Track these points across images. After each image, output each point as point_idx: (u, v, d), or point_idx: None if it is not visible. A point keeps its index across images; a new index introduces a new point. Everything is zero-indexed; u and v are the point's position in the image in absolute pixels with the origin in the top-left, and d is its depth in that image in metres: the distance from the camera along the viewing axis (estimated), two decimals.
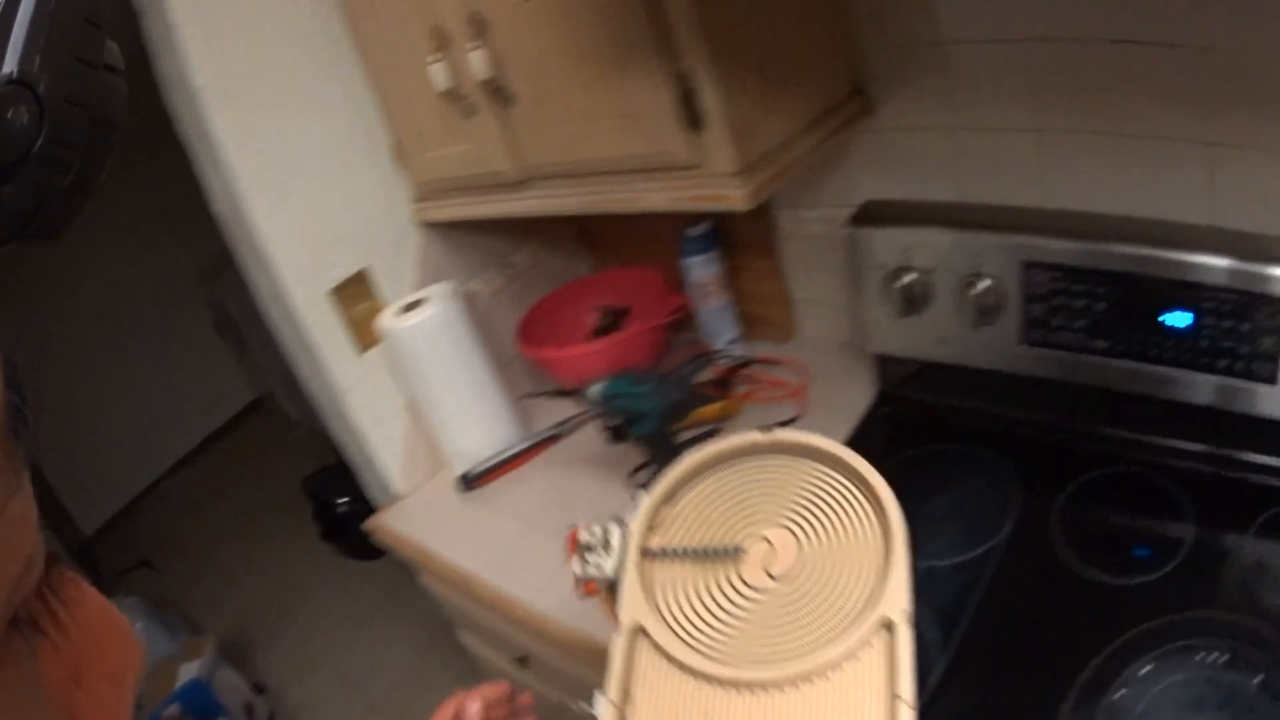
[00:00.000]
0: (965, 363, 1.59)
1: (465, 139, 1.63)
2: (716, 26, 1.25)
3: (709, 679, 0.94)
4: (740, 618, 0.97)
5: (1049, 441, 1.60)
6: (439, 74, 1.54)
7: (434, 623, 2.00)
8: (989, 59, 1.45)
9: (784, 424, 1.77)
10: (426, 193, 1.84)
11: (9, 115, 0.38)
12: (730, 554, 1.02)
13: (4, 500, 0.39)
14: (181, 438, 5.47)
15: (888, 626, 0.91)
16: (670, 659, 0.96)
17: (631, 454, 1.61)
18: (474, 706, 1.09)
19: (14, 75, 0.38)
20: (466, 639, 2.04)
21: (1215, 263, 1.33)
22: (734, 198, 1.35)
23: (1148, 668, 1.21)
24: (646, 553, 1.05)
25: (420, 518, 1.85)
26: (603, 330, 2.04)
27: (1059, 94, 1.43)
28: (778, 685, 0.91)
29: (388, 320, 1.75)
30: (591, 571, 1.08)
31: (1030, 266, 1.46)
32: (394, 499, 1.91)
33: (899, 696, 0.87)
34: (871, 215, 1.61)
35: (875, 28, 1.53)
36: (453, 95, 1.56)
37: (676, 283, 1.97)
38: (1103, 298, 1.43)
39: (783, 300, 1.98)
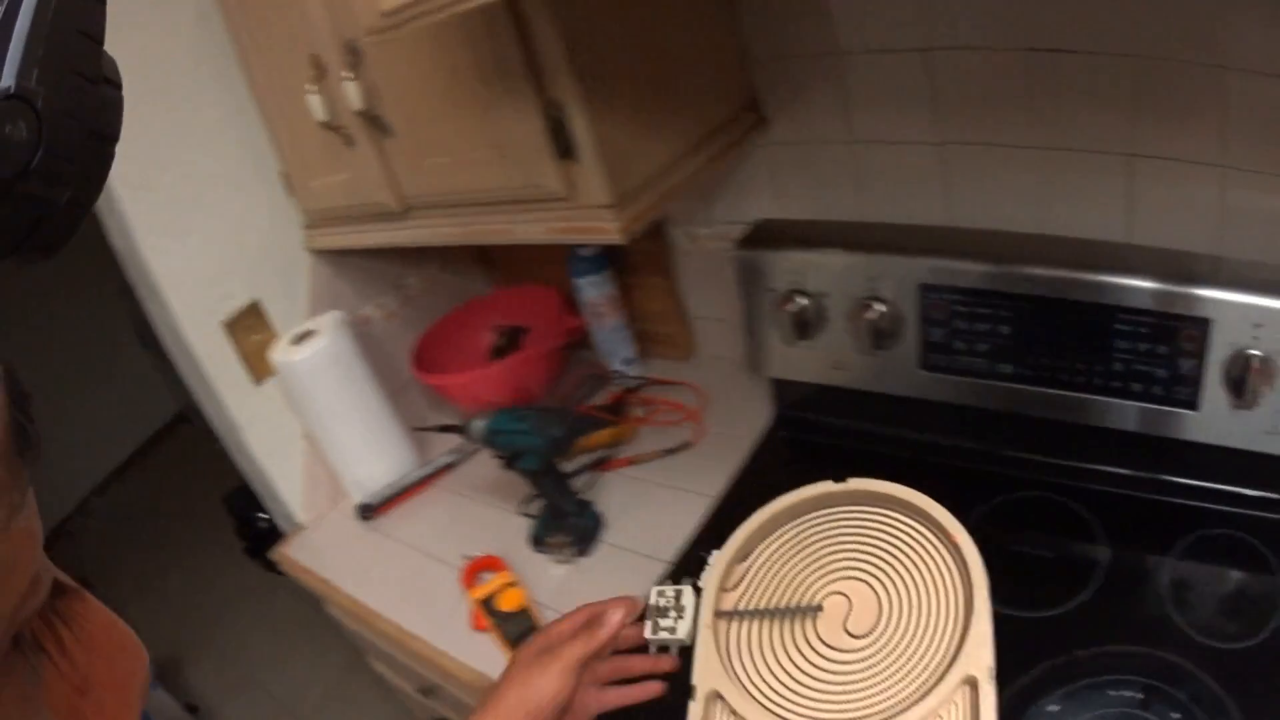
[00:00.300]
0: (863, 387, 1.56)
1: (346, 169, 1.59)
2: (589, 53, 1.22)
3: None
4: (820, 679, 0.94)
5: (953, 467, 1.57)
6: (316, 104, 1.50)
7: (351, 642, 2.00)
8: (888, 69, 1.42)
9: (677, 449, 1.76)
10: (316, 221, 1.80)
11: (7, 130, 0.38)
12: (808, 613, 0.99)
13: (8, 518, 0.39)
14: (110, 453, 5.37)
15: (971, 684, 0.88)
16: None
17: (523, 482, 1.58)
18: (615, 616, 1.03)
19: (12, 89, 0.38)
20: (376, 666, 2.00)
21: (1131, 284, 1.30)
22: (608, 230, 1.31)
23: (1054, 707, 1.19)
24: (720, 614, 1.02)
25: (322, 548, 1.82)
26: (500, 350, 2.01)
27: (964, 105, 1.40)
28: None
29: (279, 353, 1.71)
30: (664, 636, 1.03)
31: (929, 289, 1.43)
32: (297, 529, 1.87)
33: None
34: (762, 236, 1.57)
35: (767, 40, 1.49)
36: (331, 125, 1.52)
37: (572, 300, 1.95)
38: (1007, 321, 1.40)
39: (679, 318, 1.96)
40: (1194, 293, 1.25)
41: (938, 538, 1.00)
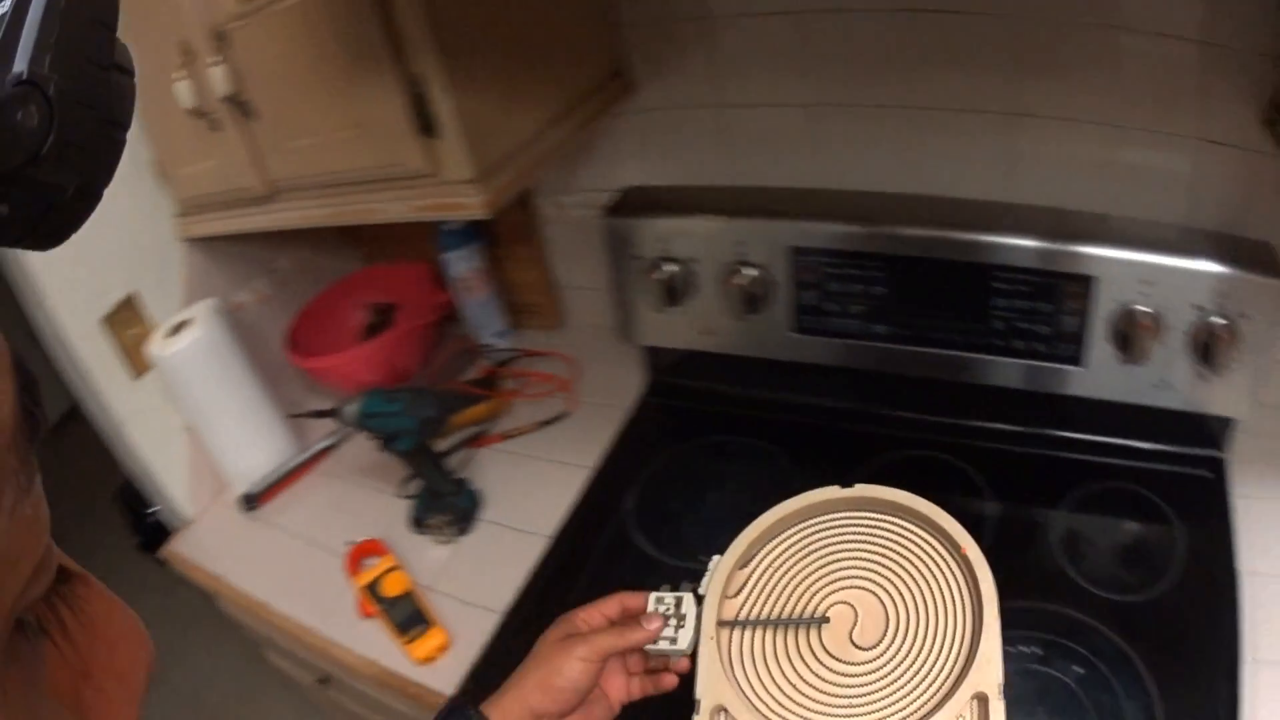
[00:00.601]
0: (736, 351, 1.57)
1: (213, 155, 1.55)
2: (451, 26, 1.19)
3: None
4: (826, 692, 0.92)
5: (832, 429, 1.58)
6: (184, 91, 1.46)
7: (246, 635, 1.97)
8: (758, 32, 1.41)
9: (552, 421, 1.76)
10: (187, 209, 1.75)
11: (19, 116, 0.37)
12: (813, 624, 0.97)
13: (15, 502, 0.38)
14: None
15: (981, 700, 0.86)
16: None
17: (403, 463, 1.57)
18: (655, 624, 1.00)
19: (24, 76, 0.37)
20: (272, 658, 1.97)
21: (1010, 242, 1.31)
22: (471, 205, 1.29)
23: None
24: (723, 624, 0.99)
25: (209, 543, 1.78)
26: (373, 329, 1.98)
27: (837, 67, 1.40)
28: None
29: (155, 346, 1.66)
30: (664, 646, 1.00)
31: (800, 252, 1.43)
32: (184, 524, 1.83)
33: None
34: (630, 204, 1.57)
35: (634, 4, 1.48)
36: (199, 112, 1.48)
37: (443, 276, 1.93)
38: (881, 282, 1.40)
39: (548, 288, 1.96)
40: (1078, 250, 1.27)
41: (946, 549, 0.98)
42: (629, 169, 1.66)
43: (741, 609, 1.00)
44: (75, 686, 0.44)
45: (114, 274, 1.69)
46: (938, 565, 0.97)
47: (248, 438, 1.77)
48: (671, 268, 1.51)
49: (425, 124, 1.24)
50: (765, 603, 1.00)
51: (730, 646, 0.97)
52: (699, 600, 1.00)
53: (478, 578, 1.50)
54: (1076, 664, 1.18)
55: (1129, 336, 1.27)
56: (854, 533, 1.03)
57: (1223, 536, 1.30)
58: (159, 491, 1.81)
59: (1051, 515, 1.39)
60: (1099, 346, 1.32)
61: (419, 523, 1.59)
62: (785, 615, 0.98)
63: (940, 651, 0.91)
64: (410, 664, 1.39)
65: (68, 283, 1.62)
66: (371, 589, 1.45)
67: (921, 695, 0.89)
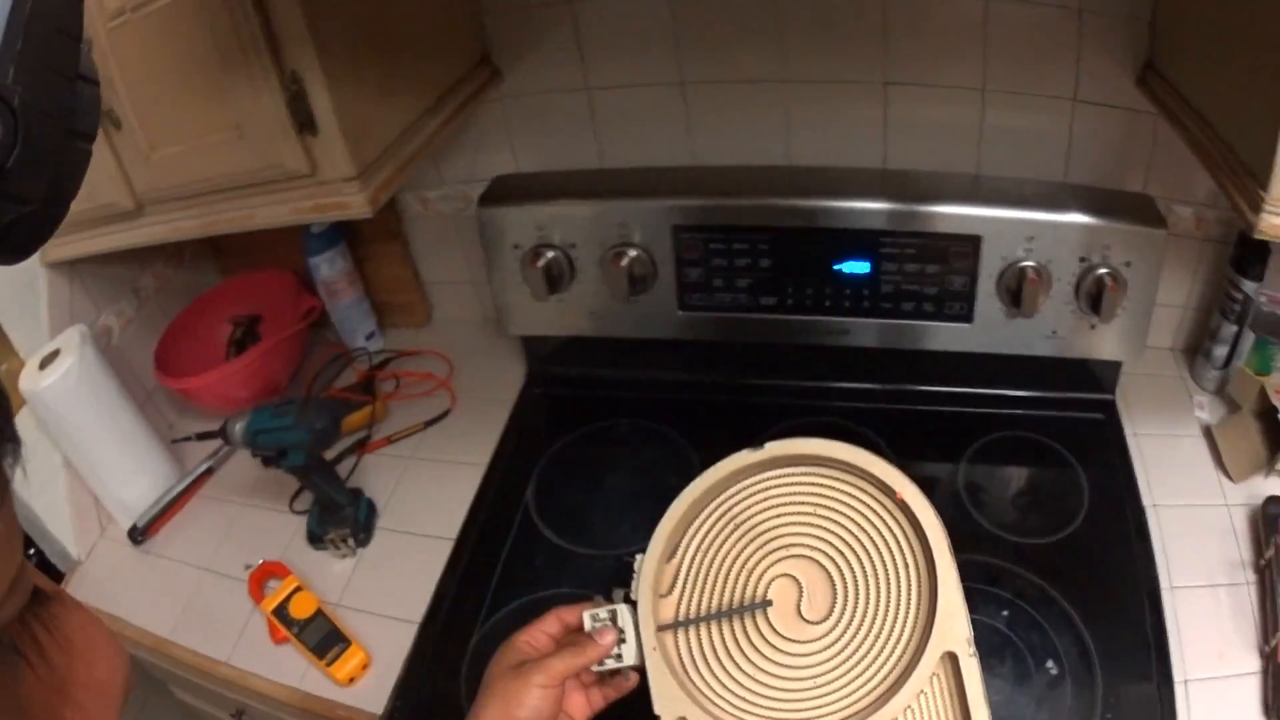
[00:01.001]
0: (621, 334, 1.56)
1: None
2: (326, 20, 1.15)
3: None
4: (789, 676, 0.89)
5: (724, 403, 1.59)
6: None
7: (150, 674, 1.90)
8: (623, 11, 1.40)
9: (436, 420, 1.74)
10: None
11: None
12: (756, 609, 0.93)
13: None
14: None
15: (950, 657, 0.84)
16: None
17: (289, 477, 1.52)
18: (609, 638, 0.97)
19: None
20: (181, 696, 1.91)
21: (891, 208, 1.33)
22: (354, 204, 1.26)
23: None
24: (663, 627, 0.95)
25: (101, 583, 1.70)
26: (240, 343, 1.92)
27: (706, 42, 1.39)
28: None
29: (26, 381, 1.58)
30: (611, 665, 0.96)
31: (682, 230, 1.42)
32: (73, 566, 1.75)
33: None
34: (501, 193, 1.54)
35: None
36: None
37: (308, 281, 1.88)
38: (766, 254, 1.41)
39: (415, 285, 1.94)
40: (962, 212, 1.30)
41: (881, 495, 0.95)
42: (496, 159, 1.63)
43: (680, 607, 0.97)
44: (53, 705, 0.44)
45: None
46: (875, 515, 0.94)
47: (128, 468, 1.70)
48: (551, 254, 1.49)
49: (303, 122, 1.20)
50: (702, 594, 0.96)
51: (678, 651, 0.94)
52: (633, 607, 0.97)
53: (386, 588, 1.47)
54: (1002, 608, 1.21)
55: (1017, 291, 1.31)
56: (778, 496, 0.99)
57: (1124, 473, 1.36)
58: (44, 535, 1.73)
59: (956, 469, 1.42)
60: (988, 302, 1.36)
61: (316, 538, 1.54)
62: (725, 603, 0.95)
63: (895, 612, 0.89)
64: (333, 686, 1.35)
65: None
66: (280, 613, 1.41)
67: (886, 663, 0.87)
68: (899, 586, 0.90)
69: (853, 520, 0.95)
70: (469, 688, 1.30)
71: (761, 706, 0.89)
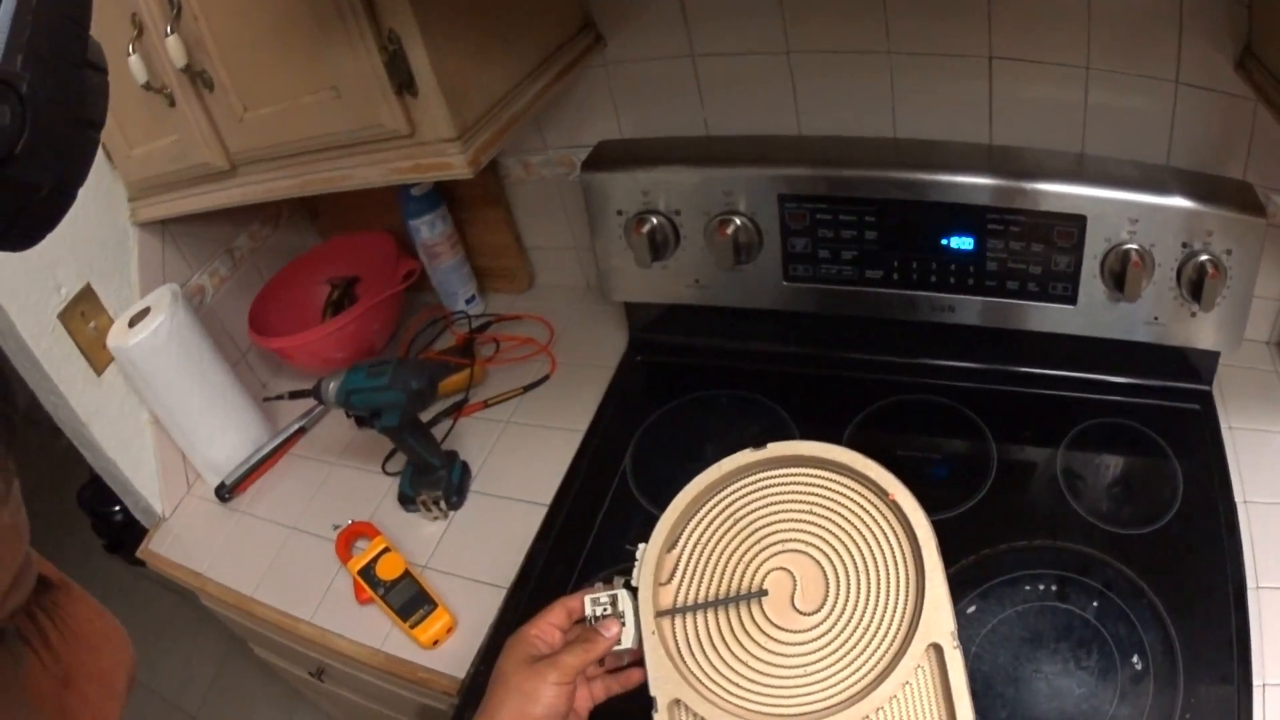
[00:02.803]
0: (724, 303, 1.54)
1: (169, 131, 1.47)
2: None
3: None
4: (778, 665, 0.92)
5: (825, 377, 1.56)
6: (136, 66, 1.38)
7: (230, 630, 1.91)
8: None
9: (534, 385, 1.73)
10: (140, 191, 1.67)
11: None
12: (752, 598, 0.96)
13: None
14: None
15: (935, 649, 0.87)
16: None
17: (381, 438, 1.51)
18: (613, 629, 0.99)
19: None
20: (261, 653, 1.92)
21: (997, 183, 1.30)
22: (455, 165, 1.25)
23: (972, 608, 1.19)
24: (662, 614, 0.98)
25: (186, 539, 1.71)
26: (336, 304, 1.92)
27: (813, 11, 1.36)
28: None
29: (114, 338, 1.59)
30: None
31: (788, 199, 1.40)
32: (158, 521, 1.76)
33: None
34: (606, 158, 1.53)
35: None
36: (152, 87, 1.41)
37: (406, 244, 1.88)
38: (872, 226, 1.39)
39: (517, 250, 1.92)
40: (1067, 190, 1.27)
41: (874, 496, 0.97)
42: (599, 124, 1.62)
43: (678, 594, 0.99)
44: (57, 694, 0.44)
45: (67, 266, 1.61)
46: (868, 514, 0.97)
47: (218, 426, 1.71)
48: (655, 220, 1.47)
49: (402, 82, 1.19)
50: (700, 583, 0.99)
51: (675, 637, 0.97)
52: (633, 593, 0.99)
53: (475, 553, 1.46)
54: (1092, 598, 1.19)
55: (1121, 274, 1.28)
56: (777, 494, 1.02)
57: (1218, 468, 1.33)
58: (128, 489, 1.74)
59: (1054, 455, 1.39)
60: (1091, 284, 1.33)
61: (408, 500, 1.53)
62: (722, 593, 0.98)
63: (885, 605, 0.92)
64: (416, 648, 1.34)
65: (20, 280, 1.54)
66: (366, 573, 1.40)
67: (876, 653, 0.90)
68: (888, 581, 0.93)
69: (846, 518, 0.98)
70: None
71: (753, 692, 0.91)
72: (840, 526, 0.97)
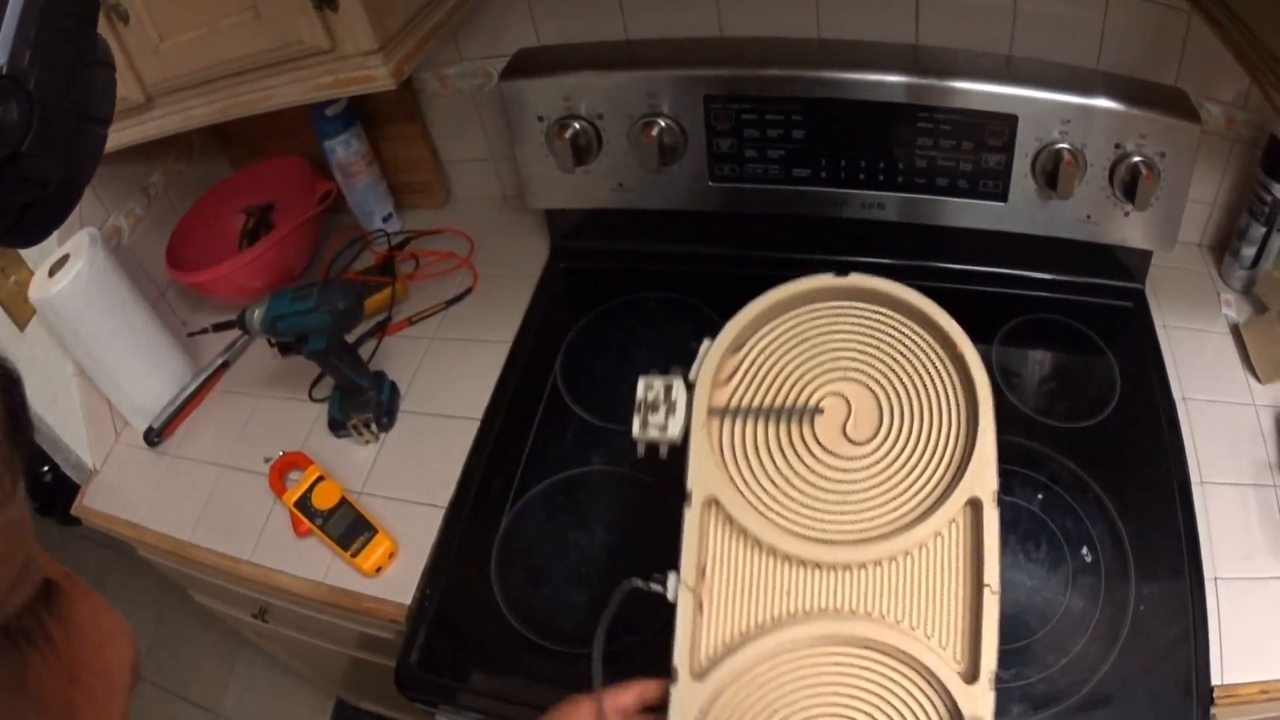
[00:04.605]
0: (650, 206, 1.53)
1: None
2: None
3: (789, 558, 0.88)
4: (819, 486, 0.90)
5: (754, 277, 1.52)
6: None
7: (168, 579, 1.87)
8: None
9: (458, 299, 1.70)
10: None
11: None
12: (807, 415, 0.94)
13: None
14: None
15: (975, 505, 0.86)
16: (747, 535, 0.89)
17: (307, 365, 1.48)
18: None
19: (4, 71, 0.38)
20: (201, 600, 1.89)
21: (927, 83, 1.31)
22: (378, 77, 1.24)
23: None
24: (714, 412, 0.95)
25: (119, 490, 1.67)
26: (250, 232, 1.88)
27: None
28: (861, 565, 0.86)
29: (36, 289, 1.54)
30: (653, 435, 0.96)
31: (714, 101, 1.39)
32: (89, 475, 1.72)
33: (987, 585, 0.83)
34: (525, 65, 1.50)
35: None
36: None
37: (320, 166, 1.83)
38: (800, 126, 1.39)
39: (433, 164, 1.90)
40: (998, 90, 1.28)
41: (942, 347, 0.96)
42: (516, 33, 1.58)
43: (733, 397, 0.97)
44: (63, 692, 0.43)
45: None
46: (932, 363, 0.96)
47: (143, 369, 1.66)
48: (578, 125, 1.45)
49: None
50: (757, 392, 0.97)
51: (722, 437, 0.95)
52: (690, 387, 0.97)
53: (411, 474, 1.44)
54: (1037, 491, 1.22)
55: (1053, 173, 1.30)
56: (848, 323, 1.00)
57: (1155, 364, 1.37)
58: (58, 446, 1.70)
59: (988, 350, 1.41)
60: (1023, 183, 1.35)
61: (338, 425, 1.51)
62: (779, 403, 0.96)
63: (934, 451, 0.90)
64: (359, 577, 1.33)
65: None
66: (303, 504, 1.38)
67: (915, 497, 0.89)
68: (941, 428, 0.92)
69: (911, 361, 0.96)
70: (501, 571, 1.29)
71: (789, 508, 0.90)
72: (903, 367, 0.96)
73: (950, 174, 1.36)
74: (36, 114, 0.39)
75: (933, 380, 0.94)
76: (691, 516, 0.90)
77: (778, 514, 0.90)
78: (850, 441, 0.92)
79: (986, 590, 0.83)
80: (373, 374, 1.52)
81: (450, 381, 1.55)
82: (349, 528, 1.34)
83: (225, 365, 1.73)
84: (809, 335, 1.00)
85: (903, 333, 0.98)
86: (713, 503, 0.91)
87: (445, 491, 1.38)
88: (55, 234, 1.61)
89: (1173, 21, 1.28)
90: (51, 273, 1.52)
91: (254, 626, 1.76)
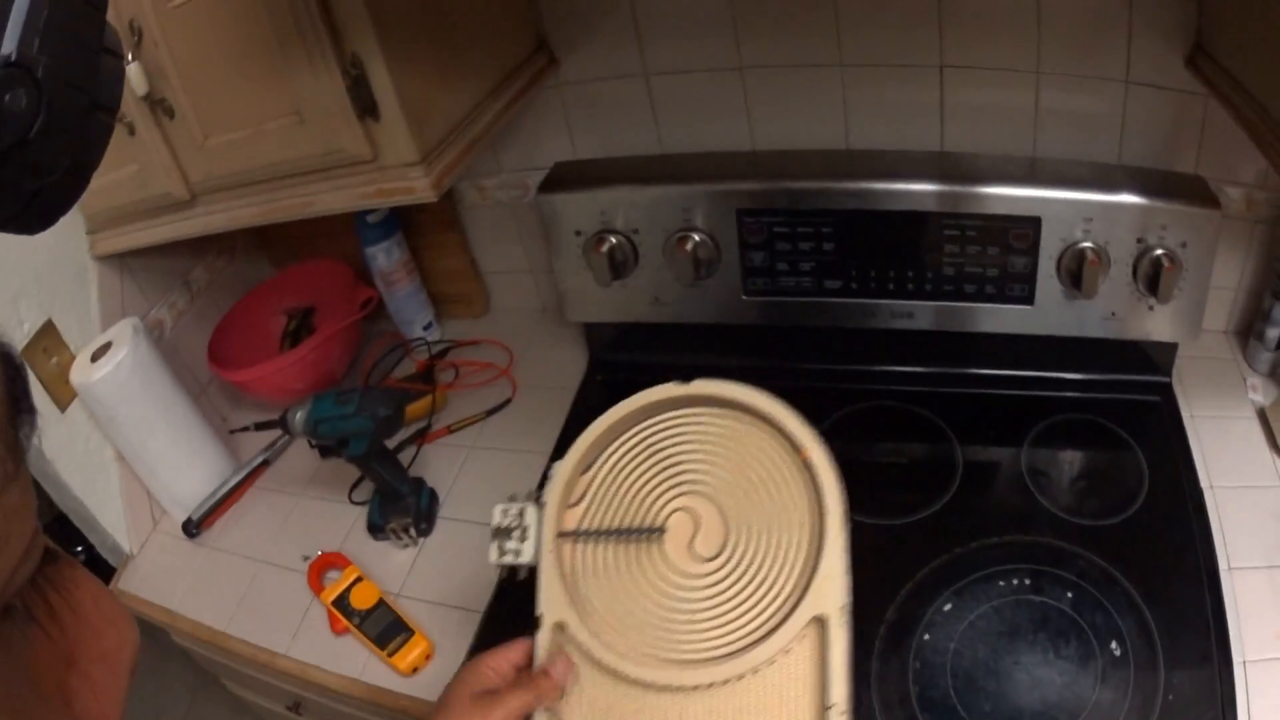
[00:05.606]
0: (684, 320, 1.55)
1: (129, 161, 1.46)
2: (385, 3, 1.15)
3: (635, 683, 0.88)
4: (669, 605, 0.91)
5: (788, 388, 1.54)
6: None
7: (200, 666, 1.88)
8: None
9: (497, 408, 1.73)
10: (99, 223, 1.65)
11: (7, 98, 0.38)
12: (652, 534, 0.95)
13: (1, 489, 0.38)
14: None
15: (819, 621, 0.85)
16: (594, 661, 0.90)
17: (347, 467, 1.50)
18: (566, 678, 0.95)
19: (13, 58, 0.38)
20: (234, 689, 1.90)
21: (952, 190, 1.33)
22: (419, 188, 1.26)
23: (948, 605, 1.21)
24: (563, 534, 0.97)
25: (155, 576, 1.69)
26: (292, 334, 1.91)
27: (765, 26, 1.38)
28: (711, 685, 0.86)
29: (78, 373, 1.57)
30: (509, 560, 0.98)
31: (746, 214, 1.42)
32: (126, 559, 1.74)
33: (831, 706, 0.82)
34: (562, 179, 1.53)
35: None
36: None
37: (360, 269, 1.87)
38: (830, 238, 1.41)
39: (473, 275, 1.93)
40: (1021, 193, 1.30)
41: (790, 451, 0.95)
42: (553, 146, 1.62)
43: (583, 518, 0.99)
44: (61, 674, 0.44)
45: (29, 300, 1.59)
46: (779, 469, 0.95)
47: (183, 460, 1.69)
48: (614, 239, 1.48)
49: (365, 106, 1.19)
50: (607, 511, 0.99)
51: (572, 560, 0.97)
52: (541, 510, 0.99)
53: (448, 578, 1.45)
54: (1066, 589, 1.21)
55: (1078, 273, 1.31)
56: (694, 433, 1.01)
57: (1182, 455, 1.36)
58: (95, 528, 1.72)
59: (1019, 454, 1.41)
60: (1048, 284, 1.36)
61: (377, 528, 1.53)
62: (626, 524, 0.97)
63: (778, 567, 0.90)
64: (395, 676, 1.34)
65: None
66: (340, 603, 1.40)
67: (761, 614, 0.89)
68: (787, 542, 0.91)
69: (757, 469, 0.96)
70: None
71: (636, 630, 0.91)
72: (748, 477, 0.95)
73: (977, 280, 1.38)
74: (44, 101, 0.39)
75: (779, 488, 0.94)
76: (541, 639, 0.92)
77: (625, 637, 0.91)
78: (697, 558, 0.93)
79: (832, 711, 0.82)
80: (412, 480, 1.54)
81: (489, 490, 1.56)
82: (386, 628, 1.36)
83: (266, 463, 1.75)
84: (657, 448, 1.01)
85: (751, 438, 0.98)
86: (562, 627, 0.92)
87: (482, 596, 1.39)
88: (98, 320, 1.66)
89: (1190, 106, 1.30)
90: (94, 358, 1.55)
91: (287, 719, 1.77)
